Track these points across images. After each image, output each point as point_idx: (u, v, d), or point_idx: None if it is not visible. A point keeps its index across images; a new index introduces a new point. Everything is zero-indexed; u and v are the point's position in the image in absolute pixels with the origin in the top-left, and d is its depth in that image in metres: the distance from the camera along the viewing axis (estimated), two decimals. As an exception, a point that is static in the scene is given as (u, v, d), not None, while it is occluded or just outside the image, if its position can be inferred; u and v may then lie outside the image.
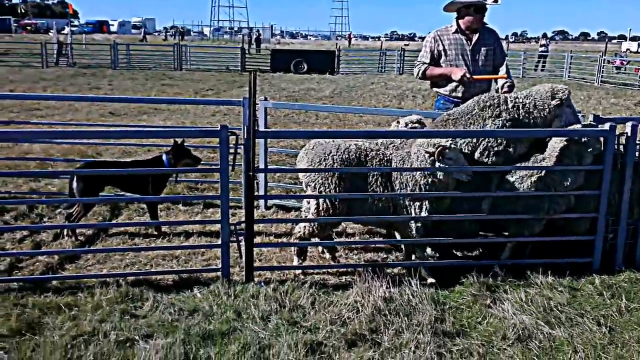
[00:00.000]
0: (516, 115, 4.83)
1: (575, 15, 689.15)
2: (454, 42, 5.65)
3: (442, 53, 5.68)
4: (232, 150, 4.62)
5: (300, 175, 5.00)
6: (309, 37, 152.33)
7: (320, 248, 5.34)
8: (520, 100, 4.85)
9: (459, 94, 5.66)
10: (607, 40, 51.14)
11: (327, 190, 4.68)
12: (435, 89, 5.93)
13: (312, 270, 4.94)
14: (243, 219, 4.57)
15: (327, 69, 29.48)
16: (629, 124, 4.73)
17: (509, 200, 4.81)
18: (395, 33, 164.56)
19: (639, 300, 4.35)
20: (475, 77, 5.50)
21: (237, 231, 4.54)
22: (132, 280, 4.56)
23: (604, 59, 27.42)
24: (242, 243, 4.56)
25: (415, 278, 4.51)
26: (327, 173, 4.66)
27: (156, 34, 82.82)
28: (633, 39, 75.97)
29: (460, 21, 5.67)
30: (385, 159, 4.77)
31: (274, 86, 22.29)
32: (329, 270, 4.97)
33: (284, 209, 6.70)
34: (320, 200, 4.71)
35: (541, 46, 35.77)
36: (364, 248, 5.52)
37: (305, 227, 4.81)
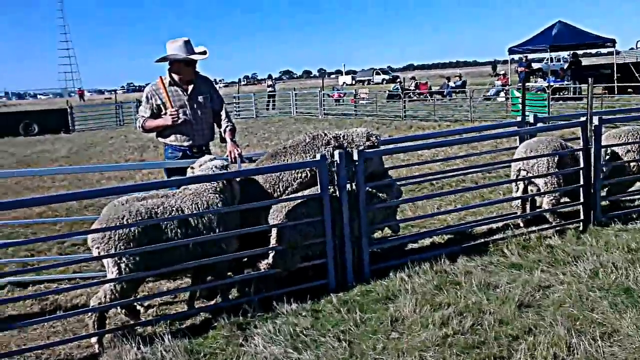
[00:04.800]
0: (341, 145, 5.50)
1: (298, 55, 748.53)
2: (171, 94, 5.79)
3: (162, 106, 5.80)
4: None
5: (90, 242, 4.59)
6: (38, 96, 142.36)
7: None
8: (342, 135, 5.63)
9: (185, 143, 5.84)
10: (324, 76, 56.52)
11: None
12: (160, 139, 6.03)
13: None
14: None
15: (60, 128, 27.99)
16: (336, 152, 5.23)
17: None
18: (131, 85, 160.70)
19: (371, 311, 4.80)
20: (173, 107, 5.73)
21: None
22: None
23: (324, 94, 30.28)
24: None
25: (168, 333, 4.47)
26: (119, 236, 4.43)
27: None
28: (348, 73, 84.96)
29: (173, 74, 5.83)
30: (176, 207, 4.72)
31: (1, 152, 20.40)
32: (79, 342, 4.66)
33: (21, 285, 6.12)
34: (121, 265, 4.44)
35: (268, 87, 37.89)
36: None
37: (107, 294, 4.45)
